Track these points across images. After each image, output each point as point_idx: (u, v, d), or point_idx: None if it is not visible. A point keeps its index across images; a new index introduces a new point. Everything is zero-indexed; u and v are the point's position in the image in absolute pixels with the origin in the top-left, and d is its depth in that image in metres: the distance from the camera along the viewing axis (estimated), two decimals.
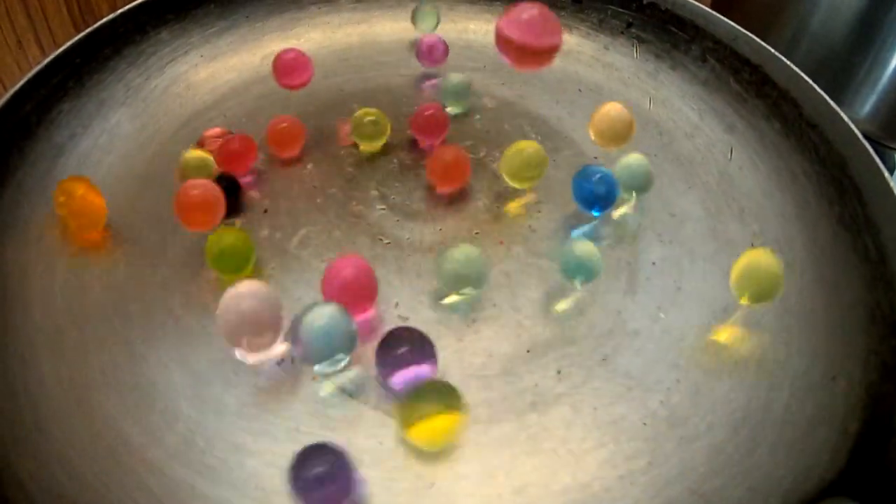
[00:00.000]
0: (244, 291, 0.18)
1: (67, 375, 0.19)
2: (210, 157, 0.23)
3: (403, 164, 0.25)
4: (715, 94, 0.27)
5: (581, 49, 0.29)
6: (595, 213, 0.23)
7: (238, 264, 0.21)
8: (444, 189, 0.24)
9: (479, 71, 0.28)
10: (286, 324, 0.19)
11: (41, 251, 0.22)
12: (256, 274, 0.21)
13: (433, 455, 0.18)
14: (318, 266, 0.22)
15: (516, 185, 0.23)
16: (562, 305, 0.21)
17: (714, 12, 0.28)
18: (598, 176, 0.22)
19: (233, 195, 0.22)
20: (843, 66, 0.33)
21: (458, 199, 0.24)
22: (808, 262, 0.22)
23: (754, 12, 0.36)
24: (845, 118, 0.24)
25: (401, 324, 0.20)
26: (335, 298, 0.19)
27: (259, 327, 0.18)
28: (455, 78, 0.26)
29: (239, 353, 0.19)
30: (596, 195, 0.22)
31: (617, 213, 0.23)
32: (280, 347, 0.19)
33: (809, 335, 0.21)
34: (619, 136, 0.24)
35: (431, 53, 0.28)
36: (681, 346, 0.20)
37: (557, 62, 0.29)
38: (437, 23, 0.29)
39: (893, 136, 0.35)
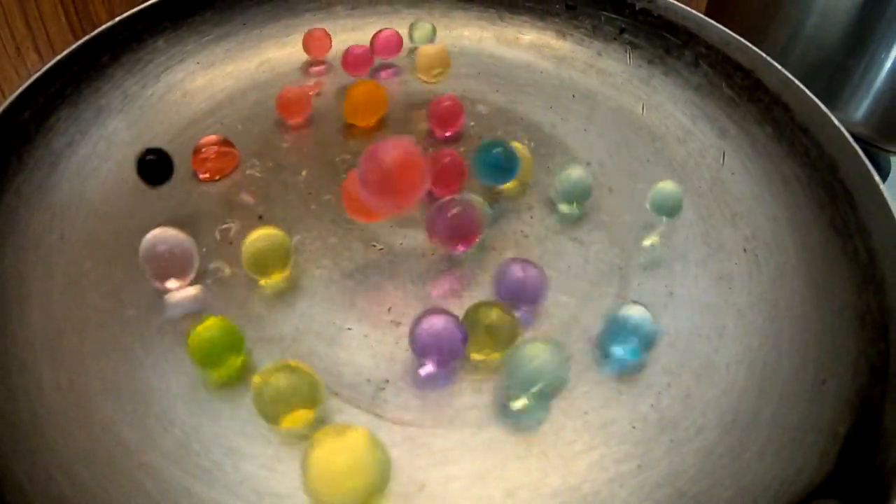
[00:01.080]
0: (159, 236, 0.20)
1: (66, 380, 0.19)
2: None
3: None
4: (707, 99, 0.27)
5: (574, 55, 0.29)
6: (495, 183, 0.24)
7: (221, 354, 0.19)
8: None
9: (474, 77, 0.28)
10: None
11: (39, 256, 0.22)
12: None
13: (425, 458, 0.18)
14: (312, 272, 0.22)
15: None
16: (553, 310, 0.21)
17: (706, 18, 0.28)
18: (498, 149, 0.23)
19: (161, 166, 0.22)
20: (838, 70, 0.33)
21: None
22: (798, 265, 0.23)
23: (748, 17, 0.36)
24: (836, 122, 0.24)
25: (393, 329, 0.20)
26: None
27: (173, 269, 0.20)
28: (574, 174, 0.23)
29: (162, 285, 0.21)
30: (495, 166, 0.23)
31: (647, 242, 0.23)
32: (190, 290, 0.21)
33: (799, 338, 0.21)
34: (440, 64, 0.28)
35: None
36: (672, 350, 0.20)
37: (551, 68, 0.29)
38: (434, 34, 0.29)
39: (888, 139, 0.35)
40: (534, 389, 0.18)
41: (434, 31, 0.29)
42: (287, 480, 0.18)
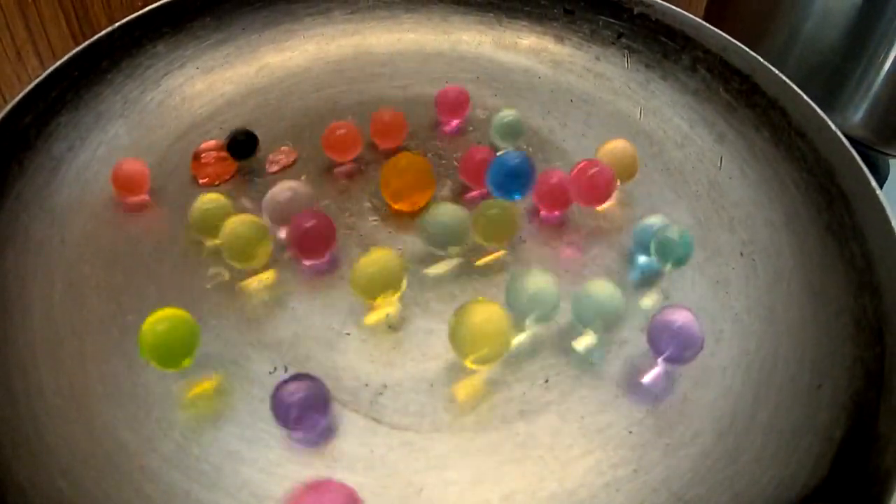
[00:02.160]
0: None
1: (66, 384, 0.19)
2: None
3: None
4: (705, 103, 0.27)
5: (573, 59, 0.30)
6: (516, 196, 0.23)
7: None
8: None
9: (472, 82, 0.28)
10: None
11: (40, 261, 0.22)
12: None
13: (422, 462, 0.18)
14: (311, 276, 0.22)
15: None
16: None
17: (704, 22, 0.28)
18: (516, 160, 0.22)
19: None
20: (836, 73, 0.33)
21: None
22: (795, 270, 0.23)
23: (747, 20, 0.36)
24: (833, 127, 0.24)
25: (391, 333, 0.21)
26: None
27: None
28: (508, 115, 0.25)
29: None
30: (511, 177, 0.23)
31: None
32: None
33: (796, 343, 0.21)
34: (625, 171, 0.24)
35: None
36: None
37: (549, 72, 0.29)
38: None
39: (887, 142, 0.35)
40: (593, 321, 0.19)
41: (519, 123, 0.26)
42: (286, 484, 0.18)
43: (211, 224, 0.22)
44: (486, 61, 0.29)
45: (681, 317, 0.19)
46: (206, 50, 0.28)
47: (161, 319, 0.19)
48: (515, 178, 0.23)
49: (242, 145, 0.24)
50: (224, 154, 0.25)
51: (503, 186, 0.23)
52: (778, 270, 0.23)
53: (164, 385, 0.19)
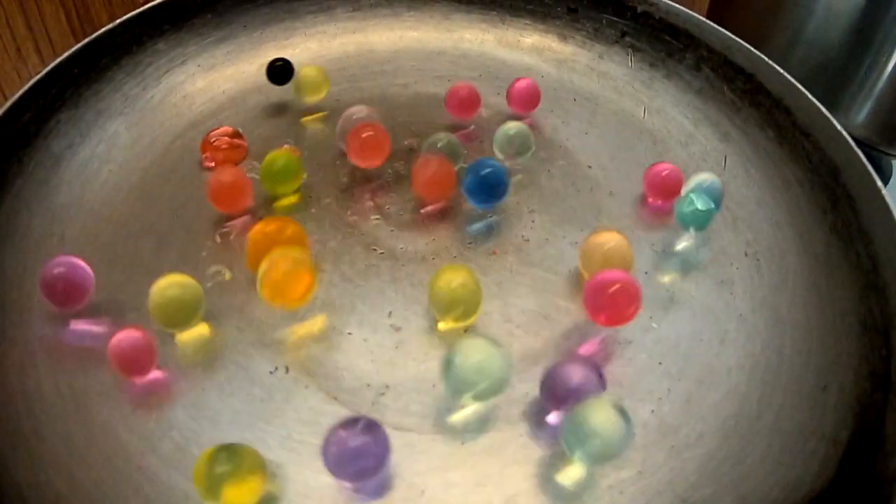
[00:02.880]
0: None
1: (65, 383, 0.19)
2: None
3: (398, 175, 0.25)
4: (709, 102, 0.27)
5: (576, 58, 0.29)
6: (481, 205, 0.23)
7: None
8: (431, 201, 0.24)
9: (475, 80, 0.28)
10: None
11: (39, 259, 0.22)
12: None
13: (424, 464, 0.18)
14: None
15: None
16: (555, 314, 0.21)
17: (708, 21, 0.28)
18: (488, 169, 0.22)
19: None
20: (839, 73, 0.33)
21: (450, 209, 0.24)
22: (800, 270, 0.23)
23: (750, 20, 0.36)
24: (838, 126, 0.24)
25: (393, 333, 0.20)
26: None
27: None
28: (512, 128, 0.24)
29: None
30: (483, 187, 0.22)
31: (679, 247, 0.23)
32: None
33: (801, 344, 0.21)
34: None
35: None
36: (673, 355, 0.20)
37: (553, 71, 0.29)
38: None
39: (890, 143, 0.35)
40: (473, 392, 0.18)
41: (530, 137, 0.24)
42: (286, 485, 0.17)
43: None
44: (489, 59, 0.29)
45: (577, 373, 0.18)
46: (207, 47, 0.28)
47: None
48: (491, 188, 0.23)
49: (280, 71, 0.26)
50: (237, 142, 0.25)
51: (477, 194, 0.23)
52: (783, 271, 0.23)
53: (163, 384, 0.19)
